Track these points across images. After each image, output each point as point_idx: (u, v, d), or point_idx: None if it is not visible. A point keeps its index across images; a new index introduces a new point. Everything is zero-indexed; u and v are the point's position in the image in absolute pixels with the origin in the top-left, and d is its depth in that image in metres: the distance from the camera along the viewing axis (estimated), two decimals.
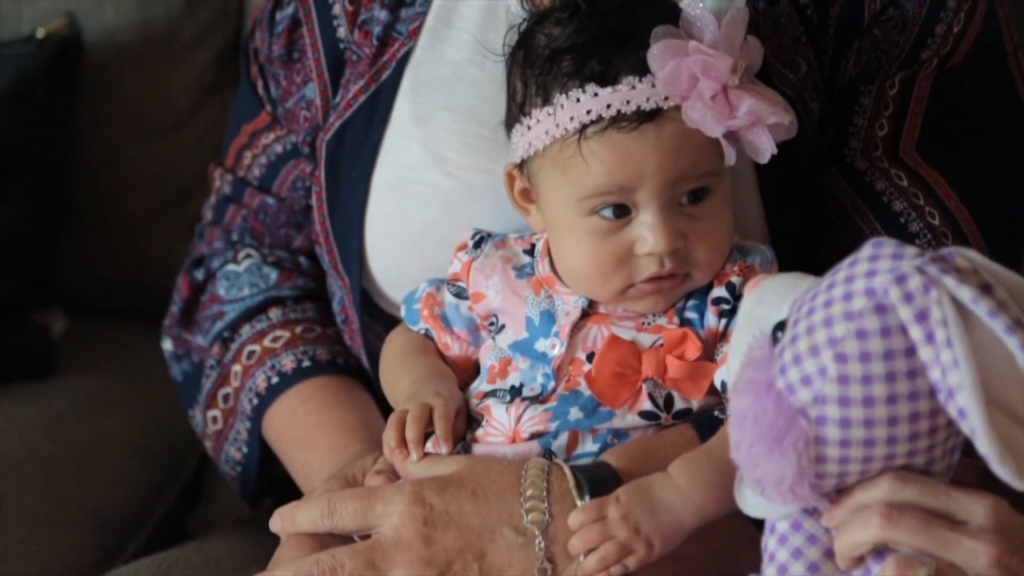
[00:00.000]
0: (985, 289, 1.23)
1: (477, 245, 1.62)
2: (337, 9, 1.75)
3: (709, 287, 1.55)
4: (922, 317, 1.24)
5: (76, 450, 2.11)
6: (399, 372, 1.64)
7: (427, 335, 1.65)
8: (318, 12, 1.77)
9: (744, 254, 1.56)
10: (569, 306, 1.56)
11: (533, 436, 1.53)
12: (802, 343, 1.28)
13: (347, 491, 1.53)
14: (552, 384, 1.54)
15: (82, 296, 2.45)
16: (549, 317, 1.56)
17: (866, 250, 1.28)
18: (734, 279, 1.54)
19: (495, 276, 1.60)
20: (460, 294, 1.63)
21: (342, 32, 1.75)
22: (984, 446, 1.21)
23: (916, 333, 1.24)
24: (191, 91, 2.40)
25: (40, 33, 2.34)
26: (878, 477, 1.28)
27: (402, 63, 1.71)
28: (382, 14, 1.72)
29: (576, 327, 1.55)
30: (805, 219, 1.68)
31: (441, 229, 1.67)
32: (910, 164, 1.65)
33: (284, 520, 1.54)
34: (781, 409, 1.30)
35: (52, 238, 2.38)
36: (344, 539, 1.52)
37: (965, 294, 1.22)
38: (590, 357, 1.54)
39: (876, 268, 1.26)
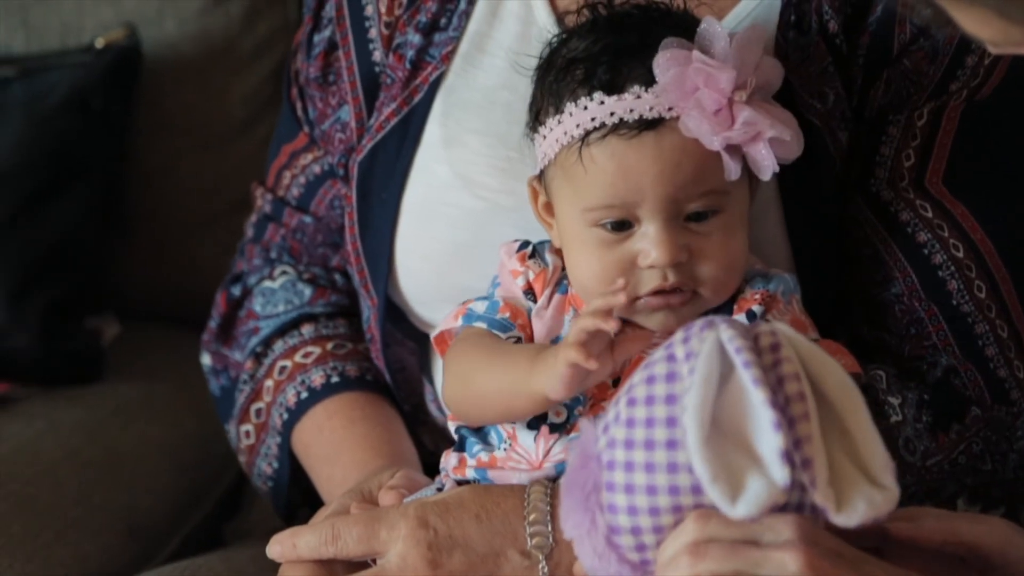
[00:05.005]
0: (758, 346, 1.27)
1: (532, 255, 1.60)
2: (373, 33, 1.77)
3: (730, 314, 1.54)
4: (690, 355, 1.27)
5: (115, 455, 2.13)
6: (499, 358, 1.53)
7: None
8: (355, 35, 1.78)
9: (767, 281, 1.56)
10: None
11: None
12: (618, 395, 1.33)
13: (351, 516, 1.53)
14: (580, 409, 1.53)
15: (135, 303, 2.48)
16: None
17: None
18: (755, 308, 1.53)
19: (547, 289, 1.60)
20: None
21: (377, 56, 1.77)
22: (697, 465, 1.24)
23: (683, 367, 1.28)
24: (248, 103, 2.43)
25: (99, 43, 2.38)
26: (683, 524, 1.29)
27: (434, 87, 1.72)
28: (416, 38, 1.73)
29: None
30: (830, 248, 1.67)
31: (469, 250, 1.68)
32: (935, 196, 1.64)
33: (284, 546, 1.54)
34: (581, 457, 1.32)
35: (107, 245, 2.42)
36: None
37: (732, 344, 1.26)
38: (615, 382, 1.53)
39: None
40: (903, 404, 1.59)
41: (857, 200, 1.66)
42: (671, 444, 1.27)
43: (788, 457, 1.24)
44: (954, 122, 1.65)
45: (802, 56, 1.63)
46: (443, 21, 1.72)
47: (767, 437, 1.24)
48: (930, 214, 1.64)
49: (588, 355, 1.39)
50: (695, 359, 1.27)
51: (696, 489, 1.27)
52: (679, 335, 1.30)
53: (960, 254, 1.63)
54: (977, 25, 1.18)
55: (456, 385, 1.58)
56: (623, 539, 1.31)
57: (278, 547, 1.54)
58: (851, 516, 1.25)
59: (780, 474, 1.24)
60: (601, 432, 1.31)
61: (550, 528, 1.47)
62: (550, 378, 1.43)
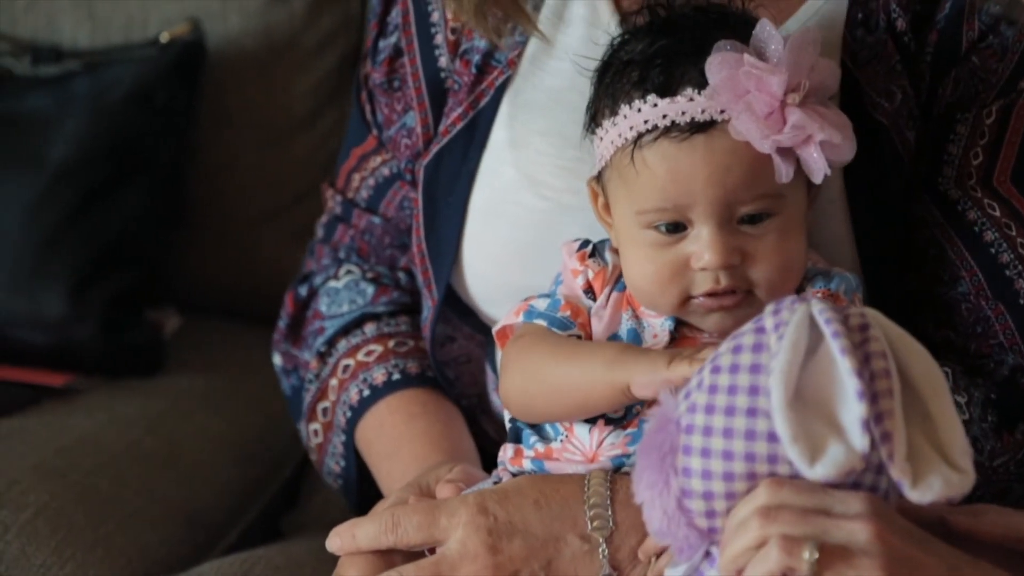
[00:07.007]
0: (847, 324, 1.28)
1: (592, 254, 1.61)
2: (439, 39, 1.77)
3: None
4: (779, 325, 1.30)
5: (175, 448, 2.14)
6: (576, 351, 1.54)
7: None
8: (420, 42, 1.79)
9: (828, 280, 1.55)
10: (656, 328, 1.55)
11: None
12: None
13: (410, 505, 1.54)
14: (638, 408, 1.53)
15: (196, 296, 2.49)
16: (635, 336, 1.56)
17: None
18: None
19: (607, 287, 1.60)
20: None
21: (443, 61, 1.77)
22: (779, 425, 1.26)
23: (771, 338, 1.30)
24: (311, 98, 2.43)
25: (164, 37, 2.39)
26: (755, 489, 1.30)
27: (500, 91, 1.72)
28: (482, 43, 1.73)
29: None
30: (896, 247, 1.66)
31: (535, 250, 1.68)
32: (1004, 194, 1.63)
33: (344, 538, 1.55)
34: (660, 420, 1.33)
35: (168, 238, 2.43)
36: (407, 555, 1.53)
37: (823, 316, 1.28)
38: None
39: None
40: (969, 403, 1.59)
41: (924, 199, 1.66)
42: (752, 412, 1.29)
43: (868, 428, 1.25)
44: (1023, 120, 1.63)
45: (870, 55, 1.62)
46: (509, 26, 1.72)
47: (850, 406, 1.26)
48: (998, 213, 1.63)
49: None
50: (784, 328, 1.29)
51: (772, 458, 1.29)
52: (769, 308, 1.32)
53: None
54: None
55: (522, 380, 1.57)
56: (694, 504, 1.32)
57: (338, 540, 1.55)
58: (925, 493, 1.26)
59: (860, 441, 1.26)
60: (682, 398, 1.33)
61: (610, 512, 1.48)
62: (647, 374, 1.44)
